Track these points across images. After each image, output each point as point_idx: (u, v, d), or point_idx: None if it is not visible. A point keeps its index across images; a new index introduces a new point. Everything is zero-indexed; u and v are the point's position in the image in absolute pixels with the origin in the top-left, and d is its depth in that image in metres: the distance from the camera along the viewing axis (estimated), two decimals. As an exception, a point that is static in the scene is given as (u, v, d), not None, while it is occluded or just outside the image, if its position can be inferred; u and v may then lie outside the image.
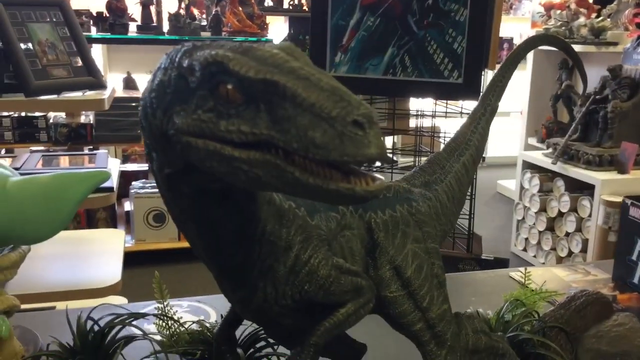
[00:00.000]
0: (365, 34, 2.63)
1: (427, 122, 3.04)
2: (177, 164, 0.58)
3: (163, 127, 0.56)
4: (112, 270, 2.09)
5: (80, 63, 2.45)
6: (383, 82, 2.66)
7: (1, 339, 0.92)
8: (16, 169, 2.51)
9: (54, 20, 2.45)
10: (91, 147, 3.67)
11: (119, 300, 2.32)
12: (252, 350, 0.91)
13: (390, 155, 3.52)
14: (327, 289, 0.68)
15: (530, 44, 1.06)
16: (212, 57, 0.53)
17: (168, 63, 0.57)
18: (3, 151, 3.61)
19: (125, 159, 4.85)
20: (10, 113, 3.42)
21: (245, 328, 0.89)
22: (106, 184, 2.36)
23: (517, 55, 1.02)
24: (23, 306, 2.31)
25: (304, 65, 0.54)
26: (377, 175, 0.52)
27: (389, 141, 3.54)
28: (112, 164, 2.76)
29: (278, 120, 0.51)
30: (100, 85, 2.46)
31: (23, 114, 3.49)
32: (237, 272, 0.67)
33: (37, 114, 3.52)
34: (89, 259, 2.26)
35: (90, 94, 2.37)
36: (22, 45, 2.27)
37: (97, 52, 4.95)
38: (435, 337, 0.77)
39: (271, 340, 0.91)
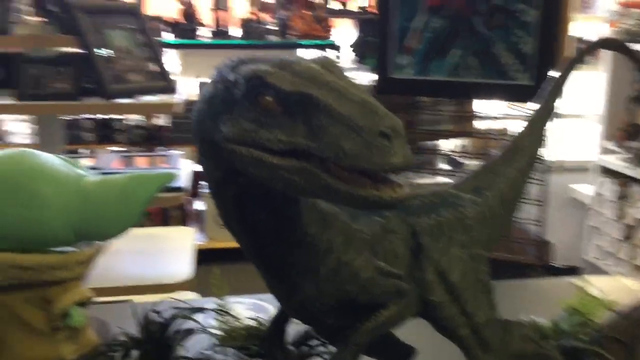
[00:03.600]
0: (430, 36, 2.62)
1: (489, 125, 2.99)
2: (223, 169, 0.63)
3: (211, 134, 0.61)
4: (183, 267, 2.18)
5: (154, 68, 2.57)
6: (448, 84, 2.64)
7: (77, 329, 0.99)
8: (96, 168, 2.66)
9: (130, 27, 2.57)
10: (166, 148, 3.82)
11: (190, 295, 2.41)
12: (303, 347, 0.94)
13: (457, 159, 3.47)
14: (368, 291, 0.70)
15: (591, 48, 1.04)
16: (253, 71, 0.58)
17: (217, 76, 0.62)
18: (85, 151, 3.81)
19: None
20: (92, 115, 3.61)
21: (299, 325, 0.92)
22: (176, 184, 2.47)
23: (577, 59, 1.00)
24: (101, 299, 2.43)
25: (337, 78, 0.58)
26: (404, 181, 0.56)
27: (453, 144, 3.50)
28: (184, 165, 2.88)
29: (313, 130, 0.55)
30: (172, 89, 2.56)
31: (103, 116, 3.68)
32: (281, 271, 0.71)
33: (115, 116, 3.70)
34: (162, 256, 2.36)
35: (163, 98, 2.48)
36: (101, 51, 2.40)
37: (172, 57, 5.14)
38: (480, 343, 0.77)
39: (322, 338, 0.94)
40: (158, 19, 4.38)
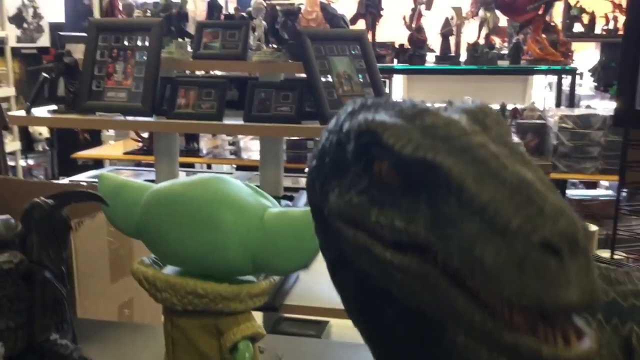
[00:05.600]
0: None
1: None
2: (334, 249, 0.49)
3: (320, 202, 0.48)
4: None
5: (372, 94, 2.56)
6: None
7: (244, 363, 0.96)
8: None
9: (353, 53, 2.60)
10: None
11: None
12: None
13: None
14: None
15: None
16: (365, 124, 0.43)
17: (334, 124, 0.49)
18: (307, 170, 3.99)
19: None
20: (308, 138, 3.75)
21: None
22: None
23: None
24: (299, 316, 2.46)
25: (491, 140, 0.39)
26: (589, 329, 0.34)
27: None
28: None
29: (440, 220, 0.38)
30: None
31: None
32: None
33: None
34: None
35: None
36: (323, 78, 2.46)
37: (398, 82, 5.17)
38: None
39: None
40: (387, 45, 4.43)
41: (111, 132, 4.54)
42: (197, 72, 3.12)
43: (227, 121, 2.43)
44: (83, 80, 2.50)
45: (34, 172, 5.13)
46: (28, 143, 5.18)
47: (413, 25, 4.24)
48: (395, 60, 4.31)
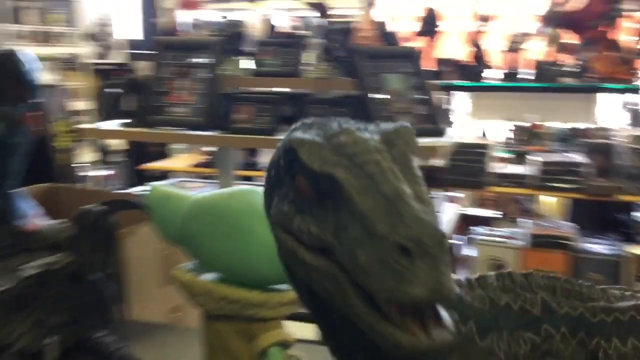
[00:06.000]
0: None
1: None
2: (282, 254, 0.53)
3: (267, 211, 0.54)
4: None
5: (423, 111, 2.57)
6: None
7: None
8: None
9: (406, 71, 2.62)
10: (441, 190, 3.80)
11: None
12: None
13: None
14: None
15: None
16: (289, 141, 0.49)
17: (282, 140, 0.54)
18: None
19: (481, 204, 4.88)
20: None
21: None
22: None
23: None
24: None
25: (391, 159, 0.45)
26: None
27: None
28: (448, 208, 2.81)
29: (339, 226, 0.44)
30: (439, 132, 2.53)
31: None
32: None
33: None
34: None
35: (430, 140, 2.46)
36: (376, 94, 2.50)
37: (462, 100, 5.12)
38: None
39: None
40: (448, 62, 4.41)
41: (180, 145, 4.72)
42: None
43: (281, 136, 2.50)
44: (148, 96, 2.63)
45: (109, 182, 5.39)
46: (104, 155, 5.46)
47: (474, 42, 4.22)
48: (458, 77, 4.29)
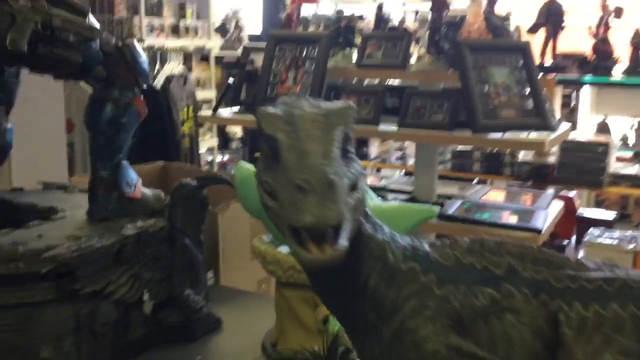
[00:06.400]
0: None
1: None
2: None
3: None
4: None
5: (530, 106, 2.52)
6: None
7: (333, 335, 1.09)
8: (463, 197, 2.77)
9: (513, 64, 2.58)
10: (551, 186, 3.68)
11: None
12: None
13: None
14: None
15: None
16: (259, 113, 0.61)
17: None
18: (476, 180, 3.97)
19: (598, 204, 4.65)
20: (482, 148, 3.74)
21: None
22: (534, 225, 2.38)
23: None
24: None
25: (319, 127, 0.58)
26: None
27: None
28: (553, 207, 2.74)
29: (278, 175, 0.58)
30: (547, 127, 2.47)
31: (491, 150, 3.78)
32: (349, 326, 0.68)
33: (504, 151, 3.75)
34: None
35: (533, 136, 2.42)
36: (479, 88, 2.49)
37: (585, 95, 4.89)
38: None
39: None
40: (571, 56, 4.24)
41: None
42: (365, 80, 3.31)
43: (382, 127, 2.57)
44: (259, 86, 2.80)
45: (228, 166, 5.74)
46: (224, 141, 5.82)
47: (599, 36, 4.02)
48: (577, 72, 4.11)
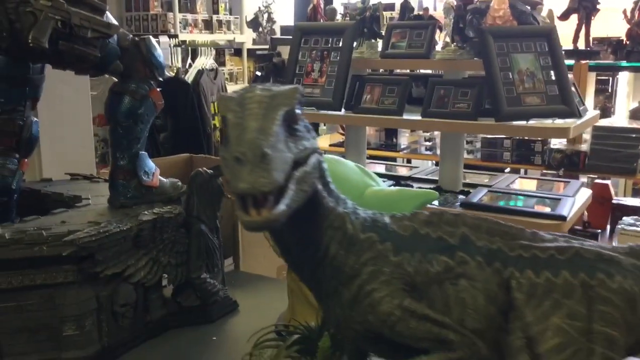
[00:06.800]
0: None
1: None
2: None
3: None
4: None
5: (556, 92, 2.50)
6: None
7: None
8: (488, 186, 2.76)
9: (538, 50, 2.56)
10: (584, 174, 3.63)
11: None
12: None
13: None
14: (391, 328, 0.65)
15: None
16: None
17: None
18: (508, 170, 3.94)
19: (635, 193, 4.56)
20: (512, 136, 3.70)
21: None
22: (560, 212, 2.36)
23: None
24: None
25: (262, 107, 0.62)
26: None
27: None
28: (582, 194, 2.71)
29: (229, 148, 0.62)
30: (572, 114, 2.45)
31: (522, 137, 3.74)
32: (315, 291, 0.73)
33: (535, 138, 3.71)
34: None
35: (558, 122, 2.40)
36: (503, 74, 2.48)
37: (622, 81, 4.78)
38: None
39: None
40: (605, 40, 4.15)
41: (322, 126, 4.97)
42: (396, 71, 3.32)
43: (406, 116, 2.58)
44: (286, 78, 2.85)
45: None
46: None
47: (634, 20, 3.92)
48: (612, 57, 4.03)
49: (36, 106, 1.28)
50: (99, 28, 1.16)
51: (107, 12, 1.20)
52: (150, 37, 1.29)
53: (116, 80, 1.27)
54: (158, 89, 1.28)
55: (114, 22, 1.21)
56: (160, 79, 1.29)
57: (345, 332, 0.74)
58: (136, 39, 1.26)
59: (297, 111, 0.67)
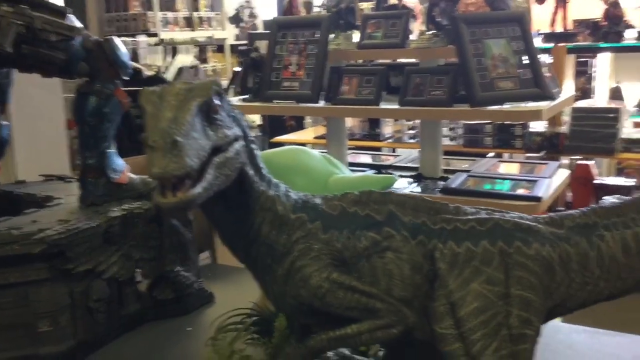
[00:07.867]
0: None
1: None
2: None
3: None
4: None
5: (529, 75, 2.53)
6: None
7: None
8: (467, 171, 2.80)
9: (511, 35, 2.59)
10: (563, 155, 3.67)
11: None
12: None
13: None
14: (321, 299, 0.70)
15: None
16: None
17: None
18: (491, 155, 3.98)
19: (619, 172, 4.61)
20: (487, 121, 3.74)
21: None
22: (532, 193, 2.40)
23: None
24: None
25: (179, 99, 0.67)
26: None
27: None
28: (559, 176, 2.74)
29: (147, 138, 0.67)
30: (546, 96, 2.48)
31: (502, 122, 3.78)
32: (252, 269, 0.78)
33: (515, 122, 3.75)
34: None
35: (531, 105, 2.43)
36: (476, 60, 2.51)
37: (602, 62, 4.82)
38: None
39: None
40: (583, 23, 4.19)
41: (309, 119, 5.01)
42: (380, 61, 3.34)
43: (383, 105, 2.61)
44: (264, 72, 2.87)
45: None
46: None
47: (610, 0, 3.96)
48: (591, 39, 4.07)
49: (5, 110, 1.30)
50: (62, 31, 1.19)
51: (70, 15, 1.22)
52: (114, 37, 1.32)
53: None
54: (122, 89, 1.30)
55: (78, 24, 1.24)
56: (126, 77, 1.31)
57: (282, 306, 0.79)
58: (100, 39, 1.28)
59: (216, 102, 0.71)
